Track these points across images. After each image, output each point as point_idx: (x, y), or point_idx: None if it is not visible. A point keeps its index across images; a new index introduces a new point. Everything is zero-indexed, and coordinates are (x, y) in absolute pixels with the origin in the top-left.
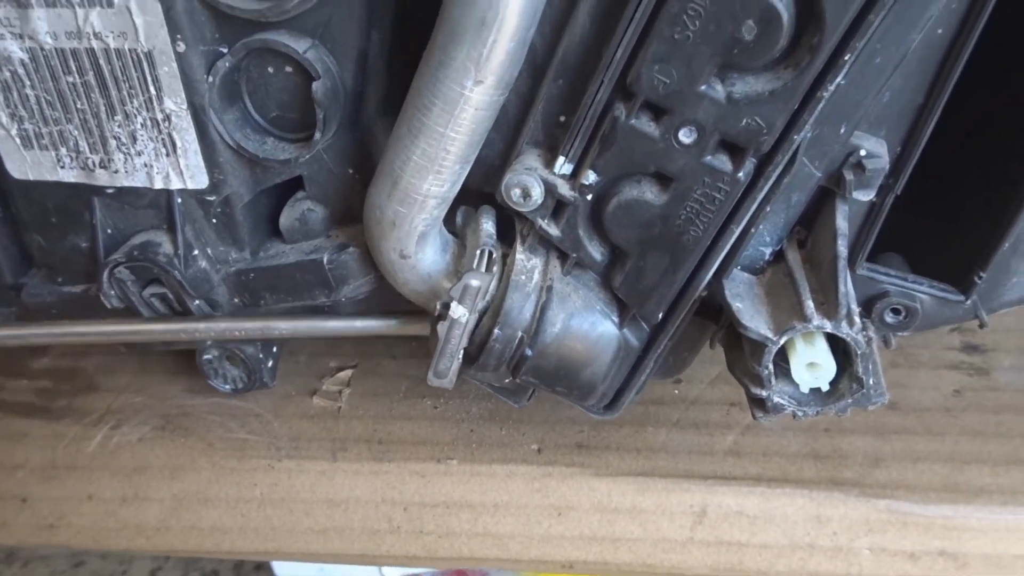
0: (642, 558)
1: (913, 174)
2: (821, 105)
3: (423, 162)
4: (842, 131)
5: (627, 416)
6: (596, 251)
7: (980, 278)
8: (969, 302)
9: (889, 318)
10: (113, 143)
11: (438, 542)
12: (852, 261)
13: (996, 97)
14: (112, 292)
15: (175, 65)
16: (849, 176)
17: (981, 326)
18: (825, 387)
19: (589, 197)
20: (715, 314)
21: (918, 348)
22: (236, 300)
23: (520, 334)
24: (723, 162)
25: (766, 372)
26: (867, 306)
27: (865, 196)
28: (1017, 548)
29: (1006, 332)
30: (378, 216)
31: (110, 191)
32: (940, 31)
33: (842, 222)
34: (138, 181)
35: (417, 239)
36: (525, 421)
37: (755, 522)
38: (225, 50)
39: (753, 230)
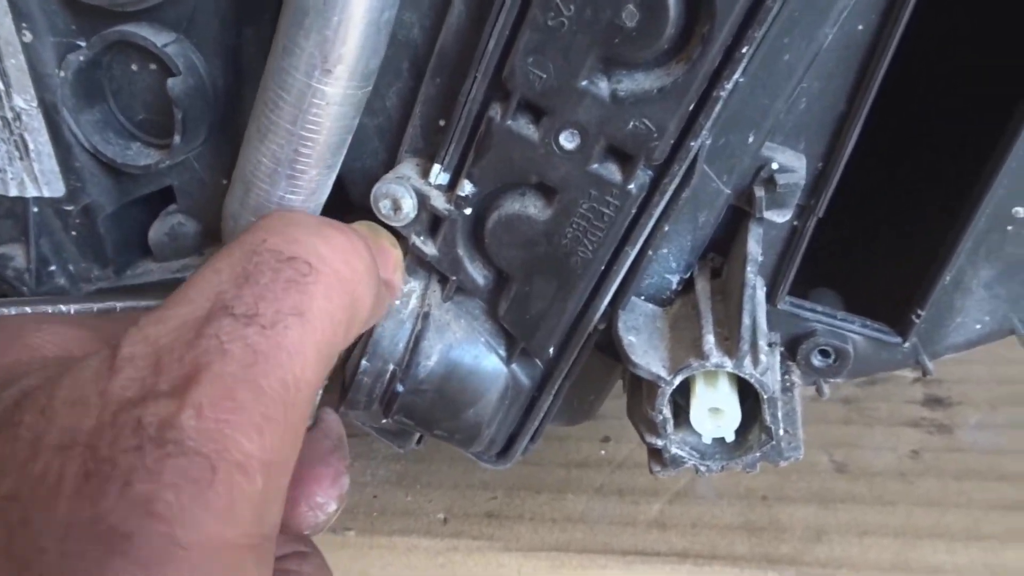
0: None
1: (843, 202)
2: (719, 106)
3: (274, 166)
4: (750, 140)
5: (546, 480)
6: (478, 274)
7: (919, 317)
8: (908, 344)
9: (816, 361)
10: None
11: None
12: (772, 294)
13: (933, 106)
14: None
15: (22, 57)
16: (760, 192)
17: (924, 374)
18: (730, 437)
19: (468, 211)
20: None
21: (876, 401)
22: None
23: (391, 367)
24: (611, 171)
25: (660, 417)
26: (791, 346)
27: (780, 216)
28: None
29: (975, 383)
30: (232, 227)
31: None
32: (860, 27)
33: (754, 246)
34: None
35: None
36: (434, 486)
37: None
38: (82, 43)
39: (652, 253)
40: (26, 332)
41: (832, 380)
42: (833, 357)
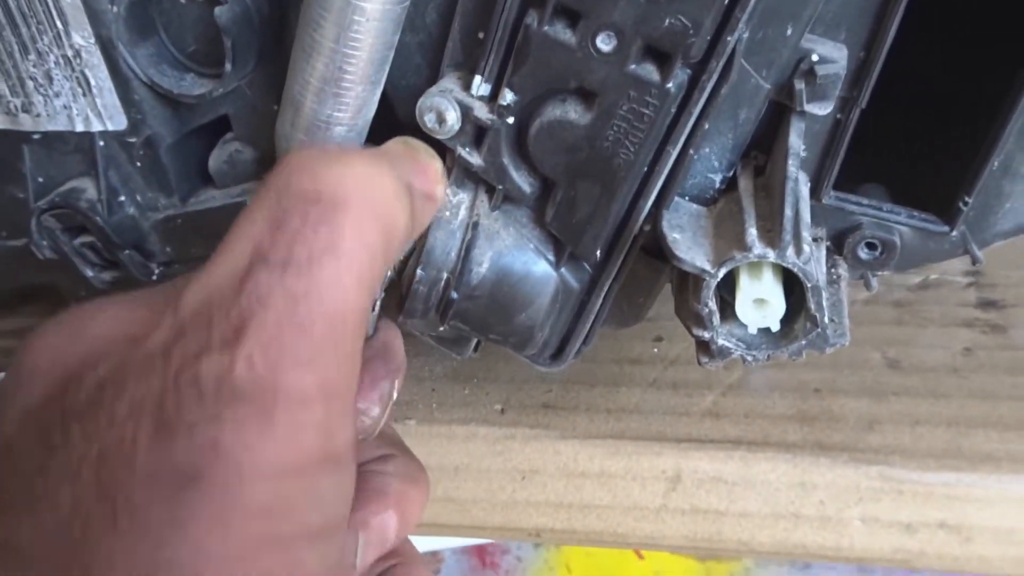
0: (612, 527)
1: (886, 93)
2: None
3: (320, 85)
4: (789, 33)
5: (600, 375)
6: (524, 182)
7: (966, 204)
8: (956, 233)
9: (863, 254)
10: (31, 84)
11: None
12: (817, 189)
13: None
14: (44, 242)
15: None
16: (800, 85)
17: (974, 263)
18: (776, 327)
19: (510, 120)
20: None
21: (929, 304)
22: (168, 249)
23: (445, 275)
24: (649, 72)
25: (706, 310)
26: (838, 240)
27: (821, 109)
28: None
29: None
30: (284, 147)
31: (37, 137)
32: None
33: (796, 140)
34: (60, 124)
35: None
36: (490, 380)
37: (734, 489)
38: None
39: (693, 152)
40: (91, 321)
41: (879, 273)
42: (880, 249)
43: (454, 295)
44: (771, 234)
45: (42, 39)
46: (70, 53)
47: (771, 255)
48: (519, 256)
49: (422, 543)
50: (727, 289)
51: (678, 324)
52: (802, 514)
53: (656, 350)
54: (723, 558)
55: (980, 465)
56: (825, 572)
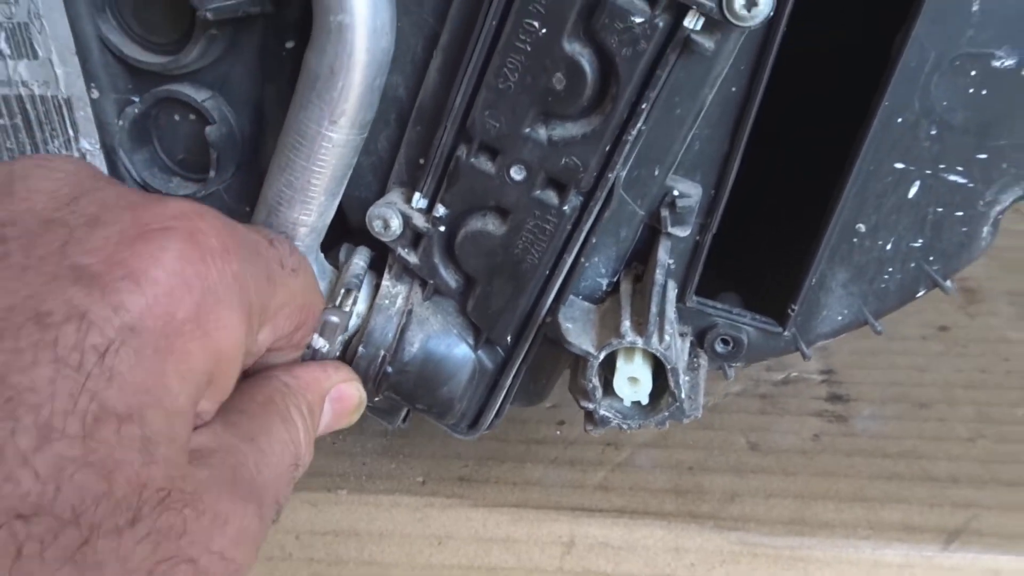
0: None
1: (740, 217)
2: (628, 147)
3: (291, 193)
4: (656, 173)
5: (509, 453)
6: (451, 278)
7: (793, 311)
8: (788, 334)
9: (719, 348)
10: None
11: (327, 570)
12: (682, 294)
13: (805, 141)
14: None
15: (90, 110)
16: (665, 213)
17: (804, 358)
18: (645, 401)
19: (442, 228)
20: None
21: (787, 398)
22: None
23: (382, 353)
24: (550, 197)
25: (591, 385)
26: (700, 337)
27: (682, 232)
28: None
29: (871, 385)
30: None
31: None
32: (733, 88)
33: (663, 255)
34: None
35: None
36: (415, 456)
37: (619, 552)
38: (136, 99)
39: (584, 259)
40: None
41: (733, 365)
42: (731, 345)
43: (389, 369)
44: (641, 326)
45: (53, 142)
46: (76, 155)
47: (640, 342)
48: (444, 339)
49: None
50: (609, 370)
51: (578, 411)
52: (676, 575)
53: (559, 432)
54: None
55: (819, 531)
56: None
